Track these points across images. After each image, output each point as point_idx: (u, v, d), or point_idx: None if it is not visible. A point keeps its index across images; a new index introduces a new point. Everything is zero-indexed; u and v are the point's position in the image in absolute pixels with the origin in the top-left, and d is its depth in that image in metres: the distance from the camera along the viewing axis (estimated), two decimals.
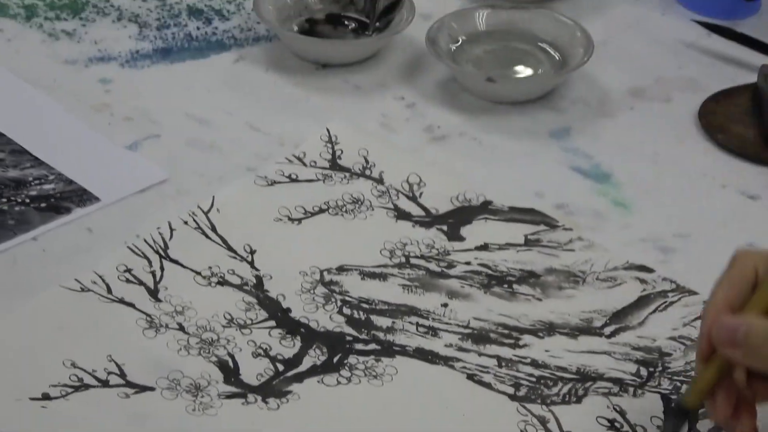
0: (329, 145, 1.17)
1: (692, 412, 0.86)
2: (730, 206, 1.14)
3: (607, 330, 1.02)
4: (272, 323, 1.01)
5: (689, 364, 0.99)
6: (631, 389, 0.97)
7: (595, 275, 1.07)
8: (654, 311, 1.04)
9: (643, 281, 1.06)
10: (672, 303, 1.05)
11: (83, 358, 0.97)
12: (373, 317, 1.02)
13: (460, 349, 1.00)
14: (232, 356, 0.99)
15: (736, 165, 1.18)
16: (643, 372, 0.99)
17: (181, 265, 1.06)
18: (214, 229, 1.09)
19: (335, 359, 0.99)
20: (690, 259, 1.08)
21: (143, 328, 1.00)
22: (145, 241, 1.07)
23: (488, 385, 0.98)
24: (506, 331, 1.02)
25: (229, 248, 1.07)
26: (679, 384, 0.98)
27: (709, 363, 0.85)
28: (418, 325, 1.02)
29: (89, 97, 1.22)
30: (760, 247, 0.89)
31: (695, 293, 1.05)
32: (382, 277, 1.06)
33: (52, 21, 1.30)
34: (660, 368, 0.99)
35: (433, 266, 1.07)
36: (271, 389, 0.96)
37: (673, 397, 0.97)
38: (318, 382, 0.97)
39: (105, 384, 0.96)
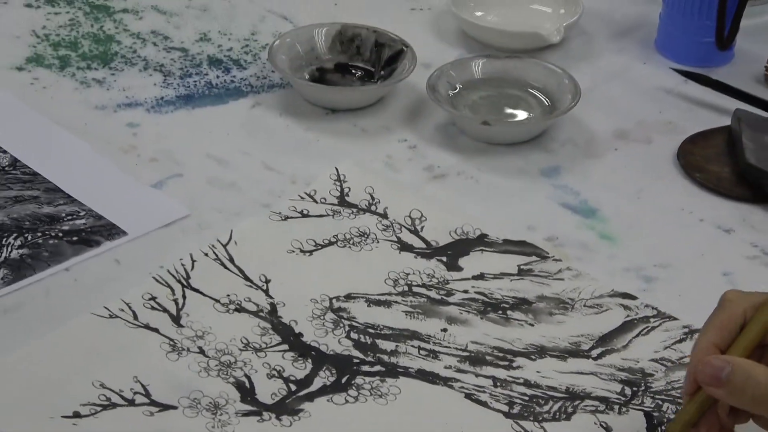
0: (338, 184, 1.17)
1: None
2: (706, 239, 1.13)
3: (594, 352, 1.02)
4: (285, 347, 1.01)
5: (670, 384, 0.99)
6: (617, 407, 0.97)
7: (582, 302, 1.06)
8: (637, 335, 1.04)
9: (627, 308, 1.06)
10: (654, 328, 1.04)
11: (111, 379, 0.97)
12: (379, 341, 1.02)
13: (459, 370, 1.00)
14: (248, 377, 0.98)
15: (712, 201, 1.18)
16: (628, 391, 0.98)
17: (202, 294, 1.05)
18: (232, 260, 1.08)
19: (343, 380, 0.99)
20: (670, 288, 1.08)
21: (166, 352, 1.00)
22: (169, 271, 1.07)
23: (484, 404, 0.97)
24: (501, 354, 1.01)
25: (246, 278, 1.07)
26: (660, 402, 0.97)
27: (694, 397, 0.84)
28: (419, 348, 1.01)
29: (118, 139, 1.21)
30: (747, 290, 0.88)
31: (675, 319, 1.05)
32: (387, 304, 1.05)
33: (84, 70, 1.30)
34: (643, 388, 0.99)
35: (433, 294, 1.06)
36: (285, 407, 0.96)
37: (656, 414, 0.96)
38: (327, 401, 0.97)
39: (131, 403, 0.96)
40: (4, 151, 1.19)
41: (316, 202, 1.15)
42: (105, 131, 1.22)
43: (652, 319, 1.05)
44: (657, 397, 0.98)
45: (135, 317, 1.03)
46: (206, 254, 1.09)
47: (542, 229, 1.14)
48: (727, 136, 1.24)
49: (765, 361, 0.84)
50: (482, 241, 1.12)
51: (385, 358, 1.01)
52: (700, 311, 1.04)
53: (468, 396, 0.98)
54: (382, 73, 1.29)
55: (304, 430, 0.94)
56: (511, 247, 1.12)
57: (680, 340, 1.03)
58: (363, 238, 1.12)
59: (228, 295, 1.05)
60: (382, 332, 1.03)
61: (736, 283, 1.08)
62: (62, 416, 0.94)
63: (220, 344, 1.01)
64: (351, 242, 1.11)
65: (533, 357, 1.01)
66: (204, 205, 1.14)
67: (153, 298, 1.04)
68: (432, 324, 1.04)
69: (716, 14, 1.32)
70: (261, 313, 1.04)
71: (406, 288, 1.07)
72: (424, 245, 1.11)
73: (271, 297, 1.05)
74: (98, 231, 1.11)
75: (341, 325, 1.03)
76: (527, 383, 0.99)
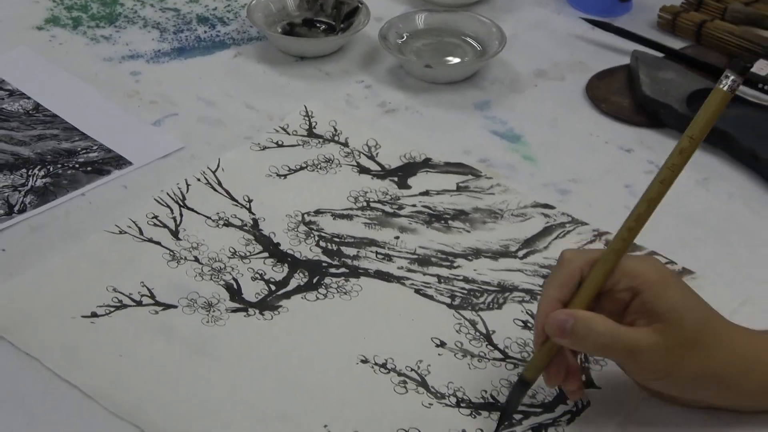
0: (306, 119, 1.16)
1: (531, 382, 0.84)
2: (611, 158, 1.13)
3: (520, 253, 1.02)
4: (266, 254, 1.01)
5: None
6: (539, 297, 0.97)
7: (510, 212, 1.06)
8: (555, 238, 1.04)
9: (546, 216, 1.06)
10: (569, 231, 1.04)
11: (122, 284, 0.97)
12: (343, 248, 1.02)
13: (409, 270, 1.00)
14: (236, 280, 0.98)
15: (615, 127, 1.18)
16: None
17: (196, 212, 1.05)
18: (220, 184, 1.08)
19: (314, 280, 0.98)
20: (581, 199, 1.08)
21: (167, 261, 1.00)
22: (168, 194, 1.06)
23: (431, 297, 0.97)
24: (444, 256, 1.01)
25: (232, 198, 1.06)
26: None
27: (543, 346, 0.83)
28: (376, 253, 1.01)
29: (123, 86, 1.20)
30: (587, 249, 0.87)
31: (586, 224, 1.05)
32: (349, 217, 1.05)
33: (93, 29, 1.29)
34: None
35: (387, 208, 1.06)
36: (266, 304, 0.96)
37: None
38: (302, 298, 0.97)
39: (139, 304, 0.95)
40: (28, 98, 1.17)
41: (289, 135, 1.14)
42: (112, 79, 1.21)
43: (567, 225, 1.05)
44: None
45: (140, 233, 1.02)
46: (198, 179, 1.08)
47: (476, 152, 1.13)
48: (627, 73, 1.23)
49: (600, 309, 0.82)
50: (427, 164, 1.11)
51: (349, 261, 1.00)
52: (606, 217, 1.05)
53: (417, 291, 0.98)
54: (342, 26, 1.28)
55: (283, 322, 0.95)
56: (450, 168, 1.11)
57: (591, 241, 1.03)
58: (328, 164, 1.11)
59: (217, 213, 1.05)
60: (346, 240, 1.02)
61: (636, 194, 1.08)
62: (82, 316, 0.94)
63: (211, 253, 1.01)
64: (318, 167, 1.11)
65: (470, 258, 1.01)
66: (196, 139, 1.14)
67: (155, 217, 1.04)
68: (386, 233, 1.03)
69: None
70: (245, 227, 1.03)
71: (364, 204, 1.06)
72: (379, 168, 1.11)
73: (253, 213, 1.05)
74: (108, 162, 1.10)
75: (312, 235, 1.03)
76: (466, 279, 0.99)
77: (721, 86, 0.80)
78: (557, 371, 0.84)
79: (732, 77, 0.80)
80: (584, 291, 0.83)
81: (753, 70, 1.20)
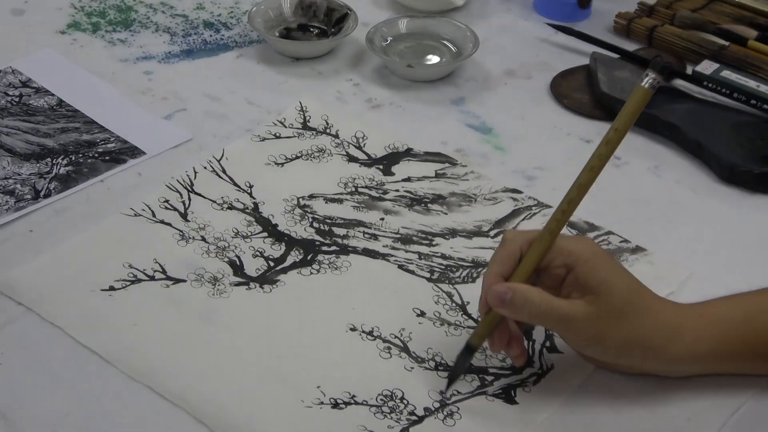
0: (301, 113, 1.16)
1: (476, 348, 0.84)
2: (572, 147, 1.13)
3: (492, 233, 1.02)
4: (265, 234, 1.00)
5: None
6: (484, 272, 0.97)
7: (482, 196, 1.06)
8: (523, 219, 1.04)
9: (515, 199, 1.06)
10: (535, 214, 1.04)
11: (136, 261, 0.96)
12: (334, 228, 1.01)
13: (393, 248, 0.99)
14: (238, 257, 0.98)
15: (576, 120, 1.17)
16: None
17: (202, 196, 1.04)
18: (224, 171, 1.07)
19: (309, 257, 0.98)
20: (546, 184, 1.08)
21: (177, 240, 0.99)
22: (177, 180, 1.06)
23: (412, 272, 0.97)
24: (424, 235, 1.01)
25: (235, 184, 1.06)
26: None
27: (486, 316, 0.83)
28: (364, 232, 1.01)
29: (137, 84, 1.20)
30: (527, 229, 0.87)
31: (550, 206, 1.04)
32: (339, 201, 1.05)
33: (111, 33, 1.28)
34: None
35: (373, 193, 1.06)
36: (266, 279, 0.96)
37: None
38: (297, 273, 0.97)
39: (152, 278, 0.95)
40: (52, 95, 1.17)
41: (286, 127, 1.14)
42: (127, 78, 1.20)
43: (533, 207, 1.05)
44: None
45: (153, 215, 1.02)
46: (205, 167, 1.07)
47: (452, 143, 1.13)
48: (587, 72, 1.23)
49: (540, 284, 0.82)
50: (408, 153, 1.11)
51: (339, 240, 1.00)
52: None
53: (400, 267, 0.98)
54: (333, 30, 1.27)
55: (281, 294, 0.94)
56: (429, 157, 1.11)
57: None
58: (321, 153, 1.11)
59: (222, 197, 1.04)
60: (336, 222, 1.02)
61: (596, 180, 1.08)
62: (101, 289, 0.94)
63: (217, 233, 1.00)
64: (312, 156, 1.10)
65: (447, 237, 1.01)
66: (202, 131, 1.13)
67: (166, 201, 1.03)
68: (373, 215, 1.03)
69: None
70: (246, 210, 1.03)
71: (353, 189, 1.06)
72: (366, 157, 1.10)
73: (253, 198, 1.04)
74: (124, 152, 1.09)
75: (306, 217, 1.03)
76: (443, 256, 0.99)
77: (643, 84, 0.80)
78: (500, 338, 0.84)
79: (653, 76, 0.80)
80: (523, 266, 0.83)
81: (698, 69, 1.20)
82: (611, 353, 0.83)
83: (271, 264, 0.97)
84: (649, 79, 0.80)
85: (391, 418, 0.84)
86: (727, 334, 0.83)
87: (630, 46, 1.28)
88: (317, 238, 1.00)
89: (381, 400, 0.85)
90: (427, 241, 1.00)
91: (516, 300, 0.80)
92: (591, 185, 0.83)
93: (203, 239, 0.99)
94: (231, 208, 1.03)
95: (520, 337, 0.85)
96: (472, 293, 0.94)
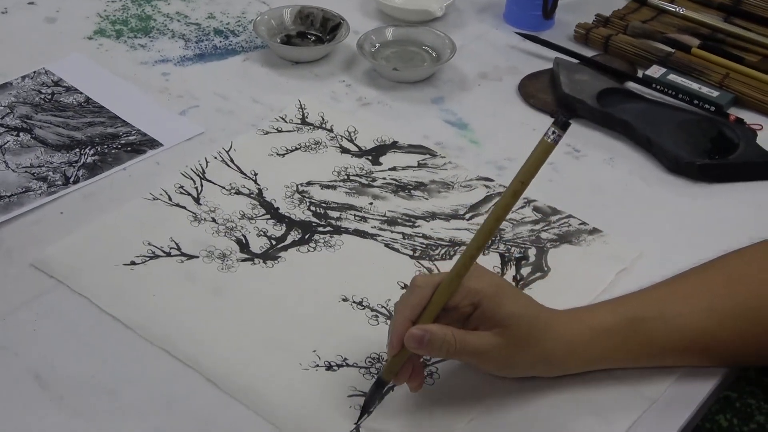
0: (300, 110, 1.15)
1: (387, 382, 0.81)
2: (537, 140, 1.12)
3: (467, 216, 1.01)
4: (268, 216, 1.00)
5: (514, 235, 0.99)
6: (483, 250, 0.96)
7: (459, 184, 1.05)
8: (494, 204, 1.03)
9: (487, 187, 1.05)
10: None
11: (155, 239, 0.96)
12: (329, 211, 1.01)
13: (380, 229, 0.99)
14: (244, 236, 0.97)
15: (541, 117, 1.17)
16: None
17: (213, 183, 1.03)
18: (232, 161, 1.06)
19: (306, 237, 0.97)
20: (514, 173, 1.06)
21: (191, 221, 0.98)
22: (191, 169, 1.05)
23: (397, 250, 0.97)
24: (407, 218, 1.00)
25: (242, 172, 1.05)
26: (509, 247, 0.97)
27: (397, 355, 0.79)
28: (354, 215, 1.00)
29: (155, 84, 1.18)
30: (435, 273, 0.83)
31: None
32: (333, 187, 1.04)
33: (132, 39, 1.27)
34: (498, 237, 0.98)
35: (363, 180, 1.05)
36: (269, 255, 0.95)
37: (506, 254, 0.96)
38: (296, 250, 0.96)
39: (168, 255, 0.94)
40: (80, 93, 1.15)
41: (286, 123, 1.13)
42: (147, 79, 1.19)
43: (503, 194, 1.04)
44: (507, 243, 0.98)
45: (170, 199, 1.01)
46: (215, 157, 1.07)
47: (433, 137, 1.12)
48: (550, 75, 1.22)
49: (448, 319, 0.79)
50: (394, 146, 1.10)
51: (333, 222, 0.99)
52: (533, 189, 1.04)
53: (387, 245, 0.97)
54: (328, 37, 1.26)
55: (282, 269, 0.94)
56: (413, 149, 1.10)
57: (522, 207, 1.02)
58: (317, 145, 1.10)
59: (230, 184, 1.03)
60: (331, 206, 1.01)
61: (558, 169, 1.08)
62: (123, 264, 0.93)
63: (225, 215, 0.99)
64: (309, 148, 1.09)
65: (428, 219, 1.00)
66: (213, 126, 1.12)
67: (181, 187, 1.02)
68: (362, 200, 1.02)
69: None
70: (252, 195, 1.02)
71: (345, 177, 1.05)
72: (357, 149, 1.10)
73: (258, 184, 1.04)
74: (144, 143, 1.08)
75: (304, 201, 1.02)
76: (424, 236, 0.98)
77: (546, 138, 0.75)
78: (405, 372, 0.80)
79: (555, 131, 0.75)
80: (431, 308, 0.78)
81: (648, 73, 1.20)
82: (519, 372, 0.82)
83: (274, 242, 0.97)
84: (552, 135, 0.75)
85: None
86: (613, 342, 0.82)
87: (588, 53, 1.27)
88: (314, 220, 1.00)
89: (369, 362, 0.85)
90: (410, 223, 1.00)
91: (434, 341, 0.77)
92: (495, 232, 0.79)
93: (214, 220, 0.99)
94: (238, 193, 1.02)
95: (421, 370, 0.82)
96: (449, 269, 0.93)
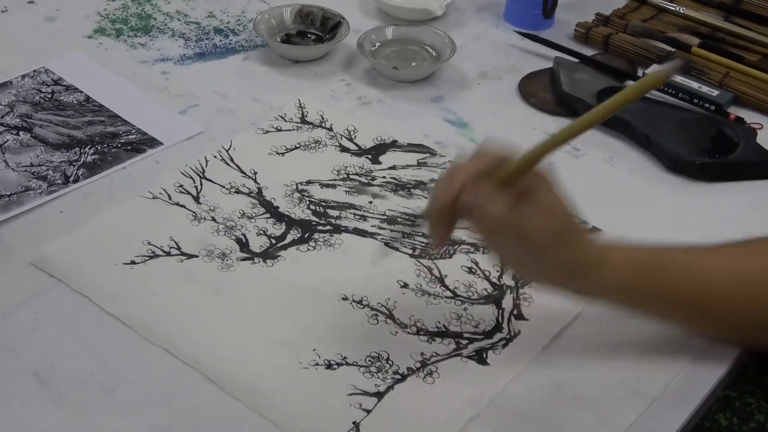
0: (300, 109, 1.15)
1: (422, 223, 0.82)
2: (537, 140, 1.11)
3: None
4: (268, 215, 1.00)
5: None
6: (481, 249, 0.97)
7: None
8: None
9: None
10: None
11: (154, 238, 0.96)
12: (328, 210, 1.01)
13: (380, 227, 0.99)
14: (244, 235, 0.97)
15: (541, 116, 1.17)
16: None
17: (213, 182, 1.03)
18: (232, 160, 1.06)
19: (306, 236, 0.97)
20: None
21: (190, 220, 0.98)
22: (191, 168, 1.05)
23: (397, 249, 0.97)
24: (407, 217, 1.00)
25: (241, 171, 1.05)
26: None
27: (442, 216, 0.80)
28: (354, 214, 1.00)
29: (155, 83, 1.18)
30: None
31: None
32: (333, 186, 1.04)
33: (132, 37, 1.27)
34: None
35: (362, 179, 1.05)
36: (268, 254, 0.95)
37: None
38: (296, 249, 0.96)
39: (168, 254, 0.94)
40: (80, 92, 1.15)
41: (286, 122, 1.13)
42: (147, 77, 1.19)
43: None
44: None
45: (169, 198, 1.01)
46: (215, 156, 1.07)
47: (433, 136, 1.12)
48: (550, 74, 1.22)
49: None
50: (394, 145, 1.10)
51: (333, 221, 0.99)
52: None
53: (386, 244, 0.97)
54: (327, 36, 1.26)
55: (281, 268, 0.94)
56: (412, 148, 1.10)
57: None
58: (317, 144, 1.10)
59: (230, 183, 1.03)
60: (330, 204, 1.01)
61: (557, 168, 1.07)
62: (123, 263, 0.93)
63: (225, 214, 0.99)
64: (309, 147, 1.09)
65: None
66: (213, 125, 1.12)
67: (181, 185, 1.02)
68: (362, 198, 1.02)
69: None
70: (251, 194, 1.02)
71: (345, 176, 1.05)
72: (356, 148, 1.09)
73: (258, 183, 1.04)
74: (144, 142, 1.08)
75: (304, 200, 1.02)
76: (424, 235, 0.98)
77: (658, 74, 0.75)
78: (444, 235, 0.82)
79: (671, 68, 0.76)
80: (505, 171, 0.79)
81: (648, 72, 1.20)
82: (544, 270, 0.82)
83: (273, 241, 0.97)
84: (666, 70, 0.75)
85: (378, 376, 0.84)
86: (638, 275, 0.83)
87: (588, 52, 1.27)
88: (313, 218, 1.00)
89: (369, 360, 0.85)
90: (410, 222, 1.00)
91: (486, 206, 0.78)
92: (587, 129, 0.79)
93: (213, 219, 0.99)
94: (238, 192, 1.02)
95: (451, 229, 0.82)
96: (449, 267, 0.94)
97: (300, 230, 0.98)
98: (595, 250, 0.82)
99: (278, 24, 1.27)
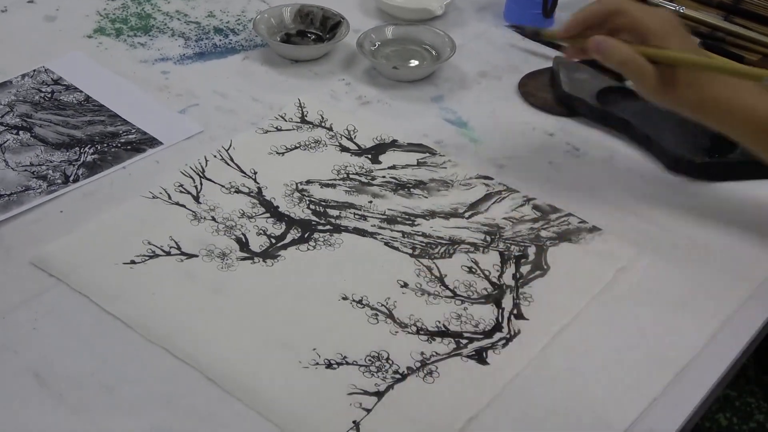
0: (300, 109, 1.15)
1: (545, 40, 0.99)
2: (537, 140, 1.13)
3: (467, 214, 1.01)
4: (268, 215, 1.00)
5: (514, 233, 0.98)
6: (481, 248, 0.96)
7: (458, 182, 1.05)
8: (493, 203, 1.03)
9: (486, 185, 1.05)
10: (504, 197, 1.04)
11: (154, 238, 0.96)
12: (328, 210, 1.01)
13: (380, 227, 0.99)
14: (244, 235, 0.97)
15: (540, 116, 1.16)
16: (488, 239, 0.98)
17: (213, 182, 1.03)
18: (232, 159, 1.06)
19: (306, 235, 0.97)
20: (514, 172, 1.07)
21: (190, 219, 0.98)
22: (191, 167, 1.05)
23: (397, 248, 0.96)
24: (407, 216, 1.00)
25: (241, 171, 1.05)
26: (509, 245, 0.97)
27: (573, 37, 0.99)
28: (354, 214, 1.00)
29: (155, 82, 1.18)
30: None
31: (517, 191, 1.04)
32: (333, 186, 1.04)
33: (132, 37, 1.27)
34: (497, 236, 0.98)
35: (362, 179, 1.05)
36: (268, 254, 0.95)
37: (505, 253, 0.96)
38: (296, 249, 0.96)
39: (168, 254, 0.94)
40: (80, 91, 1.15)
41: (286, 121, 1.13)
42: (147, 77, 1.19)
43: (503, 192, 1.04)
44: (506, 241, 0.98)
45: (169, 197, 1.01)
46: (215, 156, 1.06)
47: (432, 135, 1.12)
48: (550, 74, 1.22)
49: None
50: (394, 144, 1.10)
51: (333, 220, 0.99)
52: (533, 187, 1.04)
53: (386, 244, 0.97)
54: (327, 36, 1.26)
55: (281, 268, 0.94)
56: (412, 148, 1.10)
57: (521, 205, 1.02)
58: (317, 144, 1.10)
59: (230, 182, 1.03)
60: (330, 204, 1.01)
61: (557, 168, 1.08)
62: (123, 263, 0.93)
63: (225, 214, 0.99)
64: (309, 146, 1.09)
65: (427, 218, 1.00)
66: (213, 124, 1.12)
67: (181, 185, 1.02)
68: (362, 198, 1.02)
69: None
70: (251, 194, 1.02)
71: (345, 175, 1.05)
72: (356, 147, 1.09)
73: (258, 183, 1.03)
74: (144, 142, 1.08)
75: (304, 200, 1.02)
76: (424, 234, 0.98)
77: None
78: (577, 53, 0.99)
79: None
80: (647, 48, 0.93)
81: None
82: (683, 104, 0.95)
83: (273, 241, 0.97)
84: None
85: (378, 376, 0.84)
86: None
87: None
88: (313, 218, 1.00)
89: (369, 360, 0.85)
90: (410, 222, 1.00)
91: (610, 45, 0.93)
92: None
93: (213, 219, 0.99)
94: (238, 191, 1.02)
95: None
96: (448, 267, 0.94)
97: (300, 230, 0.98)
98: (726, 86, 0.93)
99: (278, 24, 1.27)
